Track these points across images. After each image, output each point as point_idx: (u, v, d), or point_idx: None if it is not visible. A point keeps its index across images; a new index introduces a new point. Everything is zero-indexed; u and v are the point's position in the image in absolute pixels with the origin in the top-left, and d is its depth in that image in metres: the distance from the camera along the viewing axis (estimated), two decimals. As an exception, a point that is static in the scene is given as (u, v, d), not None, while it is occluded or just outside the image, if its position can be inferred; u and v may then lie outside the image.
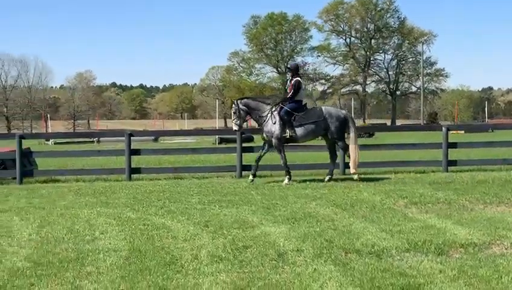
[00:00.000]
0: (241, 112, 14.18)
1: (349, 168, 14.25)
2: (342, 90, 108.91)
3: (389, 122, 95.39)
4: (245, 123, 15.56)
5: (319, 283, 5.54)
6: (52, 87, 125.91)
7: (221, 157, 22.61)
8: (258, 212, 9.42)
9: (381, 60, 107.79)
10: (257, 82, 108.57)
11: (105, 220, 8.93)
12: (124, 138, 16.12)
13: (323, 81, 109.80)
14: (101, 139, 48.00)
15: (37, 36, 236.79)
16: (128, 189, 13.09)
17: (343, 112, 15.20)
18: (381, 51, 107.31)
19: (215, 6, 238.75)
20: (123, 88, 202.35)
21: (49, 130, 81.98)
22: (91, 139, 49.91)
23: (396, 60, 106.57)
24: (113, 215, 9.31)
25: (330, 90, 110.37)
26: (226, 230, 7.99)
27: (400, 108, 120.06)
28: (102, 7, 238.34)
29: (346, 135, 14.33)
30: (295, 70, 14.46)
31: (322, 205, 9.94)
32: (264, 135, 14.21)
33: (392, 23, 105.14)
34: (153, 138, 49.53)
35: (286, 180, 13.68)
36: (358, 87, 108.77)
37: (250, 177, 14.02)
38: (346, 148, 14.22)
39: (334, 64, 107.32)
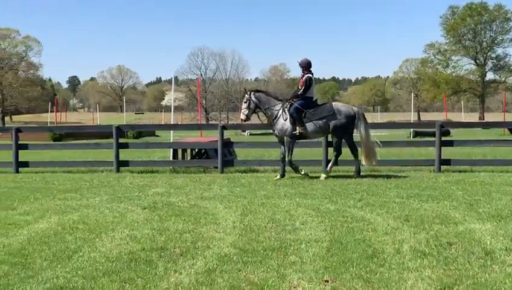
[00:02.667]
0: (252, 103, 14.15)
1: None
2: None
3: None
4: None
5: (534, 285, 5.18)
6: (247, 79, 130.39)
7: (416, 151, 22.13)
8: (460, 208, 9.05)
9: None
10: (454, 74, 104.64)
11: (305, 211, 9.02)
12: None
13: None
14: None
15: (234, 30, 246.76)
16: (325, 180, 13.19)
17: (355, 108, 14.50)
18: None
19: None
20: (316, 81, 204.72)
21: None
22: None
23: None
24: (312, 207, 9.39)
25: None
26: (427, 225, 7.75)
27: None
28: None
29: (355, 131, 14.12)
30: (306, 67, 14.00)
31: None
32: (276, 132, 14.08)
33: None
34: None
35: (278, 176, 13.86)
36: None
37: (278, 176, 13.98)
38: (353, 146, 14.07)
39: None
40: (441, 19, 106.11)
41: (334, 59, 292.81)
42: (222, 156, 16.10)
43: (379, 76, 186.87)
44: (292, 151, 13.99)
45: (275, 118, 14.03)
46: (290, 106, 13.89)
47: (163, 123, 79.21)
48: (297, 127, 13.71)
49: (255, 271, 5.71)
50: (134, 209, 9.38)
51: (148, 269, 5.79)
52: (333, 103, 14.54)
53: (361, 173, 14.20)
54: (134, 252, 6.44)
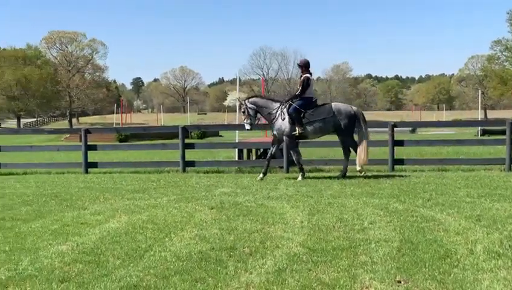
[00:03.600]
0: (250, 110, 14.14)
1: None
2: None
3: None
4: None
5: None
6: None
7: (484, 149, 21.67)
8: (535, 208, 8.80)
9: None
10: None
11: (372, 210, 8.92)
12: (386, 129, 16.13)
13: None
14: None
15: (296, 29, 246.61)
16: (392, 180, 13.03)
17: (354, 108, 14.15)
18: None
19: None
20: (378, 79, 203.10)
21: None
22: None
23: None
24: (379, 206, 9.27)
25: None
26: (500, 225, 7.56)
27: None
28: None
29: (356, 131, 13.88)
30: (305, 67, 13.79)
31: None
32: (275, 132, 14.01)
33: None
34: (409, 129, 48.93)
35: (300, 177, 13.72)
36: None
37: (261, 175, 14.02)
38: (354, 146, 13.87)
39: None
40: (508, 15, 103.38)
41: (397, 57, 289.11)
42: (287, 156, 16.08)
43: (443, 74, 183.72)
44: (297, 152, 14.16)
45: (274, 119, 14.06)
46: (289, 106, 13.87)
47: (226, 123, 79.79)
48: (297, 128, 13.68)
49: (325, 271, 5.68)
50: (201, 209, 9.46)
51: (219, 268, 5.83)
52: (333, 104, 14.39)
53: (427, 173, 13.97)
54: (204, 251, 6.49)
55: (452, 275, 5.44)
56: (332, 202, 9.78)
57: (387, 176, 13.78)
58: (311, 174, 14.95)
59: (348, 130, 13.86)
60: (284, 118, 13.86)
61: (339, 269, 5.71)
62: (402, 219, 8.10)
